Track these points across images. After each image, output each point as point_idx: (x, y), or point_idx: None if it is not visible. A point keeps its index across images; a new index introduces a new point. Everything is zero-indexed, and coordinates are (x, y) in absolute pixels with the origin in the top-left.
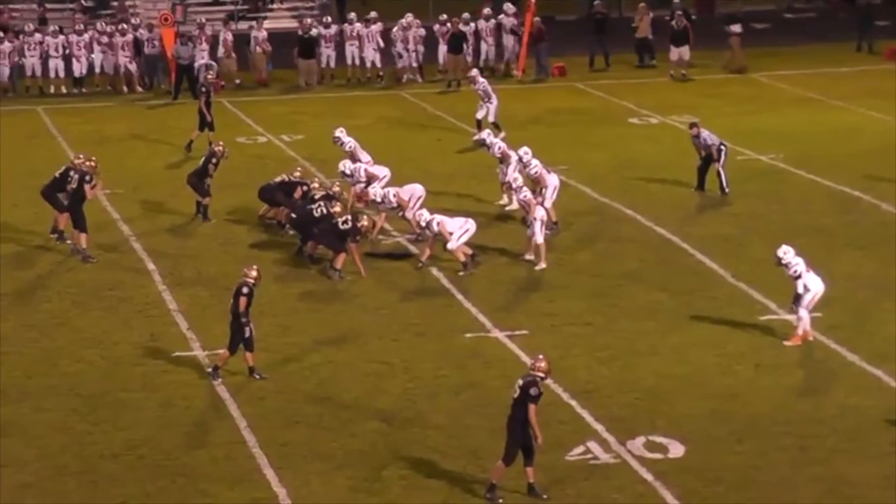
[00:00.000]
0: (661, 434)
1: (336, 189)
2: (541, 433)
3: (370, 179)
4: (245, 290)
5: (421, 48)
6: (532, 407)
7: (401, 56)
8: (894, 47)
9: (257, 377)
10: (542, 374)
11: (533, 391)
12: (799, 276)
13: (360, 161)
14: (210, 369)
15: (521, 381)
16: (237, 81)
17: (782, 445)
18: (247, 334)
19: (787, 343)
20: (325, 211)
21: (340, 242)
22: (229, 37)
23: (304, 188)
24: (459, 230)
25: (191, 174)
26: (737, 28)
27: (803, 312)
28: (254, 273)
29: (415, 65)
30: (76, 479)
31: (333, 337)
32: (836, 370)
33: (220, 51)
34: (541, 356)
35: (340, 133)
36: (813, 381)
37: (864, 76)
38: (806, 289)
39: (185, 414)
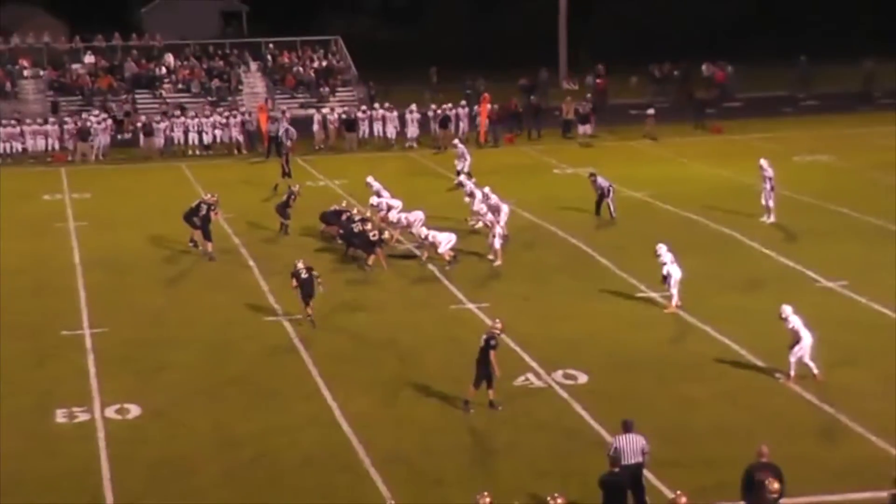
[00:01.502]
0: (573, 368)
1: (368, 214)
2: (498, 368)
3: (390, 208)
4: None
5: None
6: (492, 352)
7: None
8: (718, 126)
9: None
10: (498, 331)
11: (493, 342)
12: (664, 264)
13: (383, 197)
14: (310, 320)
15: (485, 335)
16: (320, 147)
17: (649, 375)
18: (314, 293)
19: (666, 311)
20: (361, 228)
21: (371, 248)
22: (319, 117)
23: (348, 214)
24: (446, 240)
25: (277, 205)
26: (651, 111)
27: (673, 290)
28: (301, 264)
29: (415, 135)
30: (207, 396)
31: (367, 307)
32: (684, 327)
33: (315, 126)
34: (498, 320)
35: (370, 179)
36: (670, 334)
37: (699, 144)
38: (669, 274)
39: (272, 355)
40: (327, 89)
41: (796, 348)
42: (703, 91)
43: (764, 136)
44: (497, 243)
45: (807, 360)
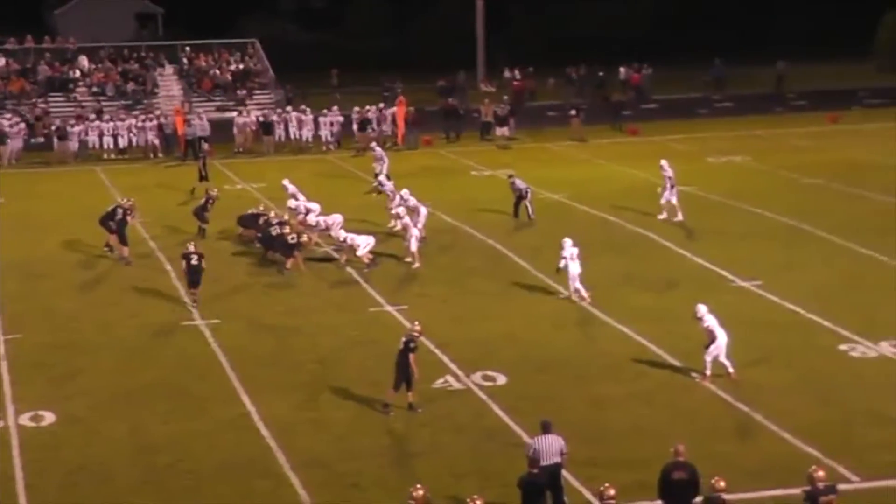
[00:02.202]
0: (492, 370)
1: (286, 217)
2: (417, 370)
3: (308, 211)
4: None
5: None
6: (411, 355)
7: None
8: (635, 128)
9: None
10: (417, 333)
11: (412, 345)
12: (564, 258)
13: (300, 200)
14: (194, 305)
15: (404, 338)
16: (238, 150)
17: (566, 375)
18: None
19: (583, 303)
20: (279, 231)
21: (289, 251)
22: (241, 121)
23: (266, 217)
24: (365, 243)
25: (195, 208)
26: (573, 112)
27: (577, 284)
28: (191, 247)
29: (332, 138)
30: (123, 401)
31: (285, 311)
32: (600, 327)
33: (235, 130)
34: (416, 322)
35: (286, 182)
36: (587, 335)
37: (616, 146)
38: (566, 268)
39: (191, 359)
40: (244, 92)
41: (711, 347)
42: (619, 93)
43: (679, 137)
44: (414, 245)
45: (722, 359)
